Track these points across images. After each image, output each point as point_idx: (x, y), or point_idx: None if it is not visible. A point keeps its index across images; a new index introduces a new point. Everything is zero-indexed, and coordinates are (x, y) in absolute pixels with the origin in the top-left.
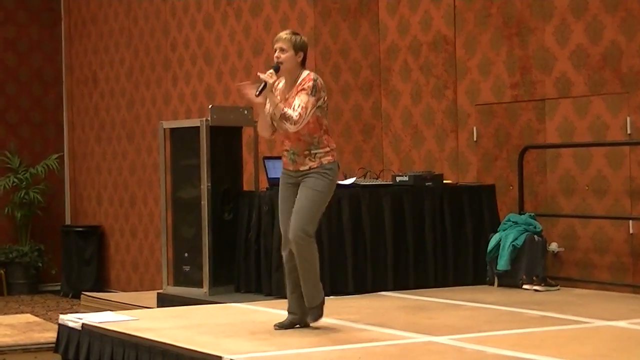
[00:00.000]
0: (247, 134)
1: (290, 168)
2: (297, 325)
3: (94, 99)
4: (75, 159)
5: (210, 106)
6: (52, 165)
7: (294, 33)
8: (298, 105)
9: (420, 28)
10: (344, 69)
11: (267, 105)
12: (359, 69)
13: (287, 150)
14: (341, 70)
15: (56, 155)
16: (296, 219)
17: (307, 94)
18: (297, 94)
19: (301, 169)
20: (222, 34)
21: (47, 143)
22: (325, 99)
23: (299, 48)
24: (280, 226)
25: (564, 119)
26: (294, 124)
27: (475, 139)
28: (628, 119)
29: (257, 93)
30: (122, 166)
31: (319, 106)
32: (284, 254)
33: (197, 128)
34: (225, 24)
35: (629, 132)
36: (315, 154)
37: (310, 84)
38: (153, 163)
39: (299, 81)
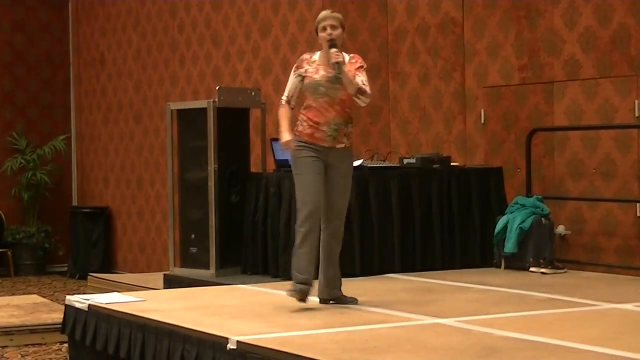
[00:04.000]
0: (254, 115)
1: (326, 144)
2: (331, 302)
3: (101, 80)
4: (83, 140)
5: (217, 87)
6: (59, 147)
7: (335, 12)
8: (365, 81)
9: (429, 10)
10: (352, 51)
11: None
12: (367, 51)
13: (327, 125)
14: (349, 52)
15: (63, 137)
16: (342, 216)
17: (365, 71)
18: (357, 70)
19: (337, 146)
20: (229, 15)
21: (54, 124)
22: None
23: (344, 26)
24: (313, 197)
25: (572, 102)
26: (369, 98)
27: (483, 122)
28: (636, 101)
29: (338, 73)
30: (129, 148)
31: None
32: (311, 225)
33: (205, 109)
34: (233, 6)
35: (637, 115)
36: (348, 131)
37: (362, 62)
38: (160, 144)
39: (347, 59)
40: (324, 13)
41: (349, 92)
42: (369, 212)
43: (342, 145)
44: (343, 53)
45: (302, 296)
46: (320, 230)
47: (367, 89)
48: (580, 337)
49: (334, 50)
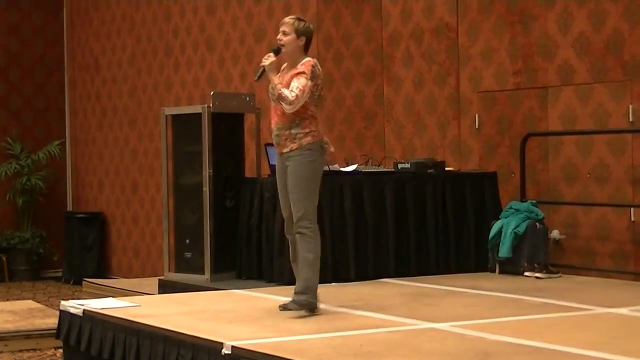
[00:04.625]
0: (249, 120)
1: (277, 151)
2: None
3: (95, 85)
4: (77, 145)
5: (212, 93)
6: (54, 152)
7: (299, 19)
8: (296, 87)
9: (423, 15)
10: (346, 55)
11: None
12: (361, 55)
13: (273, 131)
14: (343, 57)
15: (58, 142)
16: (294, 212)
17: (305, 77)
18: (295, 75)
19: (284, 151)
20: (224, 20)
21: (49, 129)
22: (319, 87)
23: (302, 33)
24: (282, 210)
25: (566, 107)
26: (290, 104)
27: (477, 126)
28: (630, 106)
29: (256, 78)
30: (123, 152)
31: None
32: (289, 237)
33: (199, 114)
34: (228, 10)
35: (631, 119)
36: (296, 134)
37: (310, 69)
38: (155, 149)
39: (298, 65)
40: (284, 19)
41: (273, 97)
42: (364, 216)
43: (287, 150)
44: (304, 59)
45: (284, 307)
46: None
47: (290, 94)
48: (575, 342)
49: (267, 55)
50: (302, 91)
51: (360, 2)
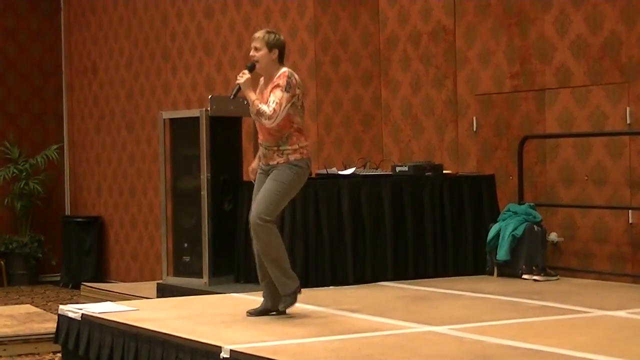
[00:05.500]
0: (246, 124)
1: (263, 162)
2: (272, 313)
3: (93, 89)
4: (75, 149)
5: (209, 96)
6: (51, 156)
7: (269, 32)
8: (272, 101)
9: (420, 18)
10: (344, 59)
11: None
12: (359, 59)
13: (261, 145)
14: (341, 60)
15: (56, 146)
16: (256, 205)
17: (281, 90)
18: (272, 90)
19: (270, 163)
20: (221, 24)
21: (46, 133)
22: (300, 96)
23: (273, 45)
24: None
25: (563, 109)
26: (269, 119)
27: (475, 129)
28: (628, 109)
29: (232, 96)
30: (121, 156)
31: (292, 103)
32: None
33: (197, 118)
34: (225, 14)
35: (628, 122)
36: (284, 150)
37: (285, 80)
38: (152, 153)
39: (274, 78)
40: (254, 34)
41: (252, 114)
42: (362, 220)
43: (274, 163)
44: (280, 70)
45: (253, 312)
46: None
47: (268, 109)
48: (573, 344)
49: (241, 73)
50: (279, 104)
51: (357, 6)
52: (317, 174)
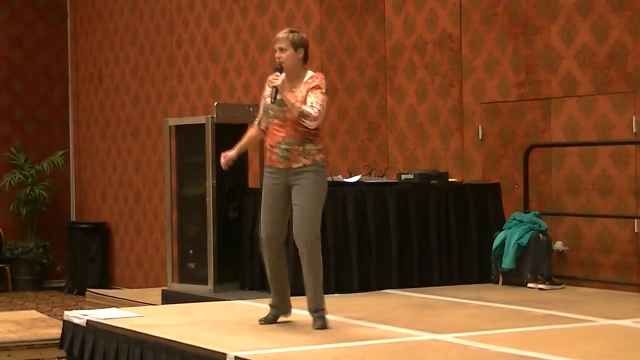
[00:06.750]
0: None
1: (281, 166)
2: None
3: (99, 96)
4: (81, 156)
5: (215, 103)
6: (57, 162)
7: (292, 31)
8: (316, 102)
9: (426, 26)
10: (350, 67)
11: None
12: (365, 67)
13: (277, 146)
14: (347, 68)
15: (61, 152)
16: (304, 224)
17: (321, 91)
18: (310, 90)
19: (294, 166)
20: (227, 31)
21: (52, 140)
22: None
23: (298, 45)
24: (265, 225)
25: (569, 118)
26: (314, 120)
27: (480, 138)
28: (634, 118)
29: (273, 100)
30: (127, 163)
31: None
32: (267, 252)
33: (203, 125)
34: (231, 22)
35: (634, 131)
36: (310, 150)
37: (323, 81)
38: (158, 160)
39: (306, 79)
40: (277, 35)
41: (294, 115)
42: (367, 227)
43: (300, 165)
44: (308, 72)
45: (265, 321)
46: (283, 256)
47: (312, 110)
48: (578, 353)
49: (273, 76)
50: (322, 106)
51: (363, 14)
52: None
